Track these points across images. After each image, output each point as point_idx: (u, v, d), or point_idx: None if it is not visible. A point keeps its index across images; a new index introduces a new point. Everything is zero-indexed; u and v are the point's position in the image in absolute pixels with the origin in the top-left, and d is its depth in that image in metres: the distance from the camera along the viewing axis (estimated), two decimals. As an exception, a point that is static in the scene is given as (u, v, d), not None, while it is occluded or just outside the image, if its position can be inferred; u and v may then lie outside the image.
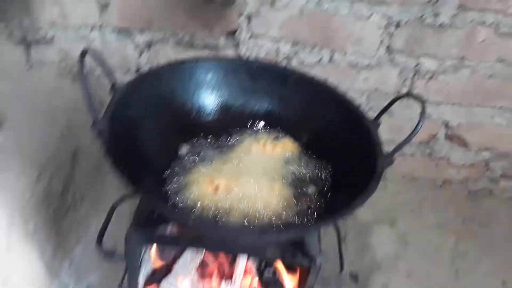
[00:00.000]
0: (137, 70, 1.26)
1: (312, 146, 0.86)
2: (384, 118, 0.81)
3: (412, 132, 0.70)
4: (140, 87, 0.84)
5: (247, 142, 0.90)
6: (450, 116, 1.25)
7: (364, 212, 1.17)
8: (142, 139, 0.82)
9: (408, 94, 0.77)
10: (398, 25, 1.11)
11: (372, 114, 0.82)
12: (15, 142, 1.02)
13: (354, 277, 0.99)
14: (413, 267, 1.03)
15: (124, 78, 1.26)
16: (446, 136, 1.30)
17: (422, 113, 0.70)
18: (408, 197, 1.24)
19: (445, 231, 1.15)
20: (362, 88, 1.22)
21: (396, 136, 0.82)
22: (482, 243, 1.13)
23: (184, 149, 0.84)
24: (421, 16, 1.08)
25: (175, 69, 0.91)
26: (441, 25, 1.09)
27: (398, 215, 1.17)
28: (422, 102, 0.72)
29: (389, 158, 0.73)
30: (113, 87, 0.80)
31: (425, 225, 1.16)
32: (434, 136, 1.29)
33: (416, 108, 1.21)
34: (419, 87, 1.21)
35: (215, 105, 0.95)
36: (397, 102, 0.78)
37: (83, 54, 0.73)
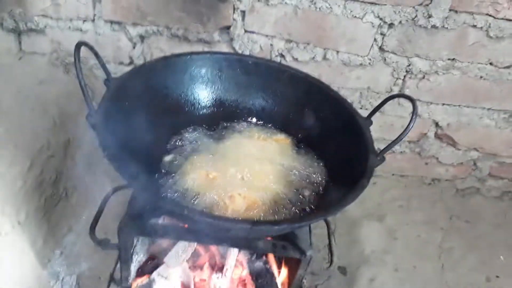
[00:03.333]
0: (130, 62, 1.26)
1: (305, 142, 0.87)
2: (375, 116, 0.82)
3: (403, 132, 0.71)
4: (135, 80, 0.84)
5: (241, 135, 0.91)
6: (440, 116, 1.27)
7: (354, 207, 1.18)
8: (136, 131, 0.82)
9: (400, 95, 0.78)
10: (391, 26, 1.12)
11: (364, 113, 0.84)
12: (6, 131, 1.01)
13: (343, 270, 1.01)
14: (401, 261, 1.05)
15: (117, 69, 1.27)
16: (436, 135, 1.32)
17: (414, 113, 0.72)
18: (397, 194, 1.26)
19: (433, 227, 1.17)
20: (354, 86, 1.24)
21: (387, 133, 0.84)
22: (468, 240, 1.15)
23: (168, 158, 0.83)
24: (414, 18, 1.10)
25: (170, 63, 0.91)
26: (433, 27, 1.10)
27: (387, 211, 1.20)
28: (414, 102, 0.74)
29: (380, 156, 0.74)
30: (108, 79, 0.80)
31: (413, 221, 1.18)
32: (424, 135, 1.32)
33: (407, 107, 1.24)
34: (411, 87, 1.22)
35: (209, 100, 0.96)
36: (389, 101, 0.80)
37: (78, 46, 0.73)
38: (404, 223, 1.18)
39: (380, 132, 1.28)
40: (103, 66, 0.80)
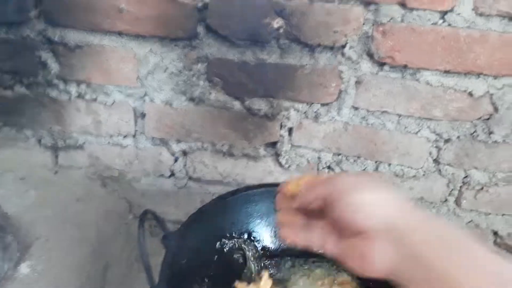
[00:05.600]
0: (171, 175, 1.21)
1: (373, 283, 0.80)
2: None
3: None
4: (191, 232, 0.78)
5: (303, 280, 0.84)
6: (500, 226, 1.20)
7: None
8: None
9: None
10: (447, 141, 1.07)
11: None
12: (45, 270, 0.95)
13: None
14: None
15: (157, 181, 1.21)
16: (495, 243, 1.23)
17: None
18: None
19: None
20: (407, 196, 1.17)
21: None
22: None
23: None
24: (473, 133, 1.05)
25: (225, 204, 0.86)
26: (494, 142, 1.05)
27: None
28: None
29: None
30: (165, 237, 0.75)
31: None
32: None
33: (463, 217, 1.14)
34: (468, 198, 1.15)
35: (266, 238, 0.89)
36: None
37: (144, 214, 0.68)
38: None
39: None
40: (162, 225, 0.75)
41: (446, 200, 1.17)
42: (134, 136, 1.16)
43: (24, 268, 0.94)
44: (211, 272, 0.80)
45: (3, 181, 1.18)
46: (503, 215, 1.18)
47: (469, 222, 1.19)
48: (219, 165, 1.17)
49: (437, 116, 1.04)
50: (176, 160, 1.19)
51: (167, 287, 0.66)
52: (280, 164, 1.14)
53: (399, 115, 1.05)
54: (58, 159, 1.23)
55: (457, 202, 1.16)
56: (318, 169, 1.15)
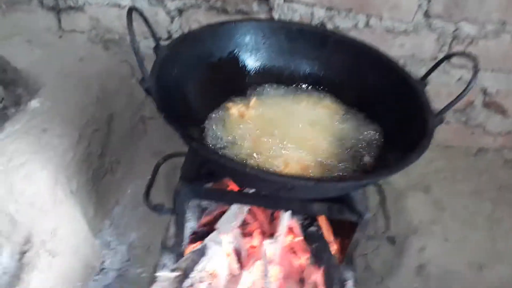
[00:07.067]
0: (169, 37, 1.25)
1: (357, 106, 0.85)
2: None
3: (463, 91, 0.70)
4: (182, 47, 0.83)
5: (289, 102, 0.90)
6: (489, 83, 1.22)
7: (398, 179, 1.16)
8: (184, 96, 0.82)
9: (460, 53, 0.76)
10: (438, -12, 1.07)
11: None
12: (53, 106, 1.03)
13: (391, 240, 1.00)
14: (450, 232, 1.02)
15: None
16: (484, 103, 1.27)
17: (475, 72, 0.70)
18: (442, 165, 1.23)
19: (480, 198, 1.13)
20: (398, 54, 1.20)
21: (434, 103, 0.81)
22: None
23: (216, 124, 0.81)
24: (463, -22, 1.05)
25: (215, 31, 0.90)
26: (483, -13, 1.05)
27: (432, 182, 1.16)
28: (475, 61, 0.71)
29: (439, 116, 0.72)
30: (157, 46, 0.80)
31: (460, 192, 1.14)
32: (471, 103, 1.27)
33: (453, 74, 1.20)
34: (457, 53, 1.18)
35: (255, 67, 0.94)
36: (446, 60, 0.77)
37: (130, 11, 0.72)
38: (451, 194, 1.14)
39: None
40: (153, 33, 0.80)
41: (436, 57, 1.19)
42: (131, -6, 1.19)
43: (34, 103, 1.02)
44: (203, 85, 0.85)
45: (11, 43, 1.24)
46: (492, 70, 1.20)
47: (459, 79, 1.22)
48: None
49: (428, -38, 1.04)
50: (172, 20, 1.22)
51: (156, 81, 0.72)
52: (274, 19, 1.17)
53: (390, -38, 1.05)
54: (61, 23, 1.28)
55: (461, 51, 1.18)
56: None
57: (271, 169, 0.66)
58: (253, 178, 0.58)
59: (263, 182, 0.57)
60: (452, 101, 0.71)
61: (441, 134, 1.32)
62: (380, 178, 0.62)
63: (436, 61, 0.81)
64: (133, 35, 0.72)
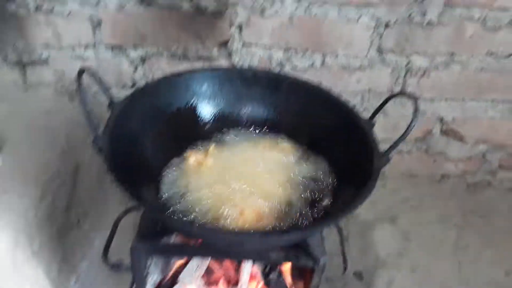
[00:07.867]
0: (133, 85, 1.28)
1: (311, 149, 0.87)
2: (378, 118, 0.82)
3: (406, 130, 0.72)
4: (138, 101, 0.85)
5: (245, 146, 0.92)
6: (445, 111, 1.27)
7: (365, 211, 1.18)
8: (141, 151, 0.83)
9: (401, 93, 0.78)
10: (387, 25, 1.13)
11: (367, 115, 0.84)
12: (16, 163, 1.03)
13: (359, 276, 1.00)
14: (417, 262, 1.04)
15: (120, 93, 1.29)
16: (442, 131, 1.31)
17: (415, 111, 0.72)
18: (408, 194, 1.25)
19: (447, 225, 1.16)
20: (355, 89, 1.24)
21: (391, 134, 0.83)
22: (484, 235, 1.14)
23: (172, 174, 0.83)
24: (409, 16, 1.10)
25: (171, 82, 0.92)
26: (429, 23, 1.11)
27: (398, 212, 1.19)
28: (415, 99, 0.73)
29: (385, 157, 0.74)
30: (111, 103, 0.82)
31: (427, 221, 1.17)
32: (429, 132, 1.31)
33: (410, 106, 1.23)
34: (412, 85, 1.22)
35: (213, 115, 0.96)
36: (391, 101, 0.80)
37: (80, 73, 0.74)
38: (417, 223, 1.16)
39: (384, 133, 1.26)
40: (105, 90, 0.82)
41: (392, 90, 1.24)
42: (94, 46, 1.21)
43: (-5, 161, 1.02)
44: (161, 137, 0.86)
45: (-26, 99, 1.24)
46: (446, 100, 1.25)
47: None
48: (176, 69, 1.22)
49: (374, 2, 1.09)
50: (136, 69, 1.25)
51: (109, 139, 0.73)
52: (233, 64, 1.21)
53: (340, 4, 1.10)
54: (27, 76, 1.30)
55: (403, 90, 1.23)
56: (270, 67, 1.22)
57: (219, 225, 0.66)
58: (201, 235, 0.58)
59: (213, 239, 0.58)
60: (396, 141, 0.73)
61: (405, 163, 1.36)
62: (324, 227, 0.64)
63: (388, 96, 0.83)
64: (84, 96, 0.73)
